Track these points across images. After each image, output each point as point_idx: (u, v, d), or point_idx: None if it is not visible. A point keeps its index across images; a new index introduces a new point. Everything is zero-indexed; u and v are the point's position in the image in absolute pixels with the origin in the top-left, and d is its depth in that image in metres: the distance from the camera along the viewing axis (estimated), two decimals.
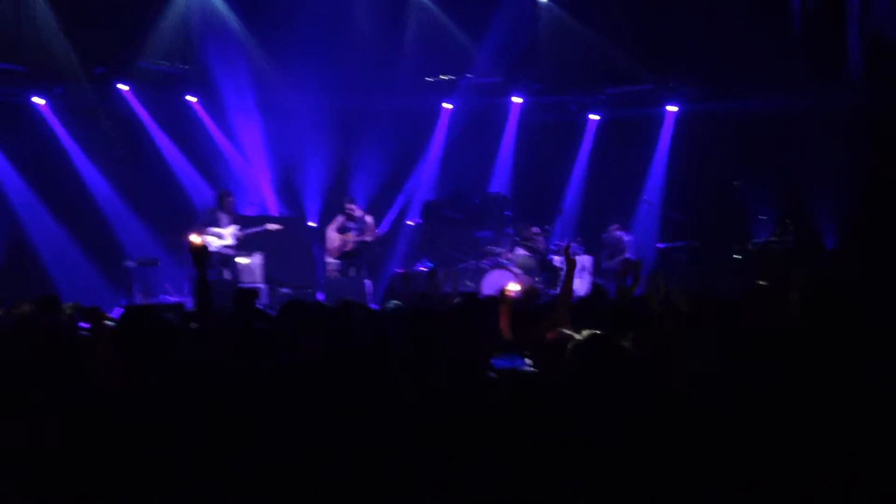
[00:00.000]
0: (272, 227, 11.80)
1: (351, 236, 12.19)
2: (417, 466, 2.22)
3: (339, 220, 12.27)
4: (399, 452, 2.26)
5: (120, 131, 12.92)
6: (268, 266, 11.98)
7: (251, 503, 2.10)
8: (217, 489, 2.12)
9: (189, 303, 10.20)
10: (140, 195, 13.02)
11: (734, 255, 11.71)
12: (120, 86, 12.76)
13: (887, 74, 10.40)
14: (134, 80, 12.79)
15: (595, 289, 7.04)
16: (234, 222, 11.65)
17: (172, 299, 11.71)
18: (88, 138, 12.77)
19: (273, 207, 13.89)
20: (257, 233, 11.70)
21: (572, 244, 12.23)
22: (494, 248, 12.65)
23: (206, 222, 11.58)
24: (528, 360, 4.04)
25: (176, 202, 13.19)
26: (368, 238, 12.28)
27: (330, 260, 12.26)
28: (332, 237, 12.23)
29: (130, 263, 11.80)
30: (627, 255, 12.35)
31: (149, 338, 3.30)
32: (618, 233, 12.79)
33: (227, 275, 11.44)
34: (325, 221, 13.91)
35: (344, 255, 12.15)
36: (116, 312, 5.88)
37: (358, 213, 12.38)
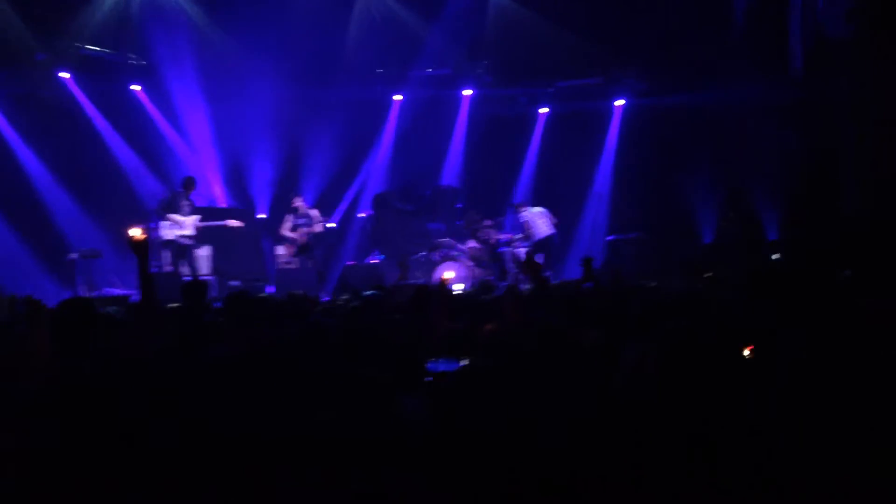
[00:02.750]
0: (233, 223, 11.61)
1: (302, 230, 12.09)
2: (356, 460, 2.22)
3: (290, 219, 12.15)
4: (340, 447, 2.25)
5: (62, 120, 12.59)
6: (216, 258, 11.81)
7: (188, 495, 2.07)
8: (154, 481, 2.10)
9: (135, 295, 10.03)
10: (84, 185, 12.71)
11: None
12: (62, 74, 12.42)
13: (828, 69, 10.66)
14: (76, 67, 12.46)
15: (542, 281, 7.08)
16: (194, 212, 11.46)
17: (117, 292, 11.49)
18: (29, 127, 12.42)
19: (221, 199, 13.69)
20: (217, 227, 11.52)
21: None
22: (446, 239, 12.69)
23: (167, 207, 11.37)
24: (464, 363, 4.07)
25: (121, 193, 12.91)
26: (318, 229, 12.19)
27: (281, 252, 12.13)
28: (289, 237, 12.10)
29: (74, 255, 11.52)
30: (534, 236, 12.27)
31: (85, 329, 3.23)
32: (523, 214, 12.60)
33: (182, 266, 11.25)
34: (274, 213, 13.77)
35: (299, 251, 12.05)
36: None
37: (303, 207, 12.28)
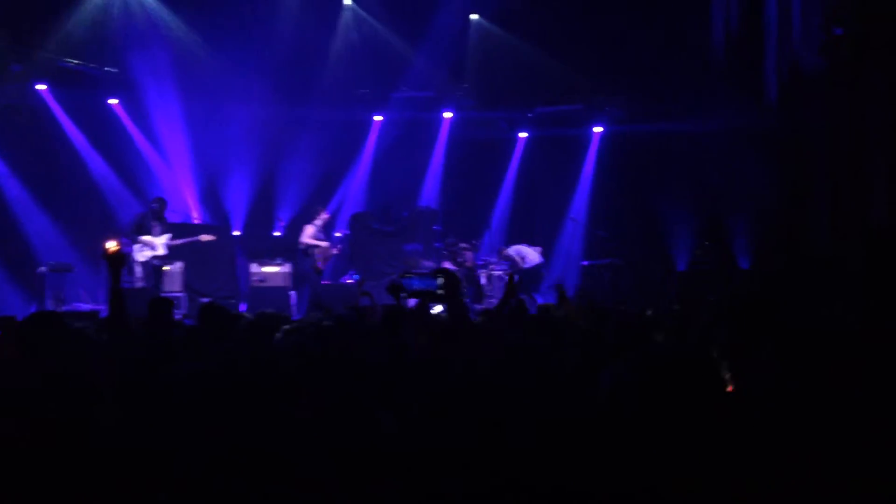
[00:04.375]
0: (206, 237, 11.47)
1: (326, 244, 12.03)
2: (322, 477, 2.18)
3: (312, 230, 12.04)
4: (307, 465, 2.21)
5: (37, 132, 12.43)
6: (188, 275, 11.67)
7: None
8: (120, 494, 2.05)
9: (104, 311, 9.88)
10: (56, 198, 12.54)
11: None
12: (38, 86, 12.30)
13: (802, 101, 10.84)
14: (53, 79, 12.35)
15: (518, 303, 7.08)
16: (166, 231, 11.32)
17: (86, 307, 11.32)
18: (3, 138, 12.26)
19: (196, 215, 13.56)
20: (190, 243, 11.38)
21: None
22: (422, 261, 12.66)
23: (138, 229, 11.23)
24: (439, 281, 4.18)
25: (93, 207, 12.76)
26: (334, 251, 12.24)
27: (317, 259, 11.97)
28: (312, 244, 11.99)
29: (43, 269, 11.34)
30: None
31: (53, 344, 3.16)
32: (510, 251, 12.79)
33: (154, 283, 11.12)
34: (249, 230, 13.67)
35: (317, 271, 11.97)
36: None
37: (325, 221, 12.25)
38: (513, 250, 12.56)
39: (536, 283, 12.28)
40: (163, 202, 11.55)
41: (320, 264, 11.89)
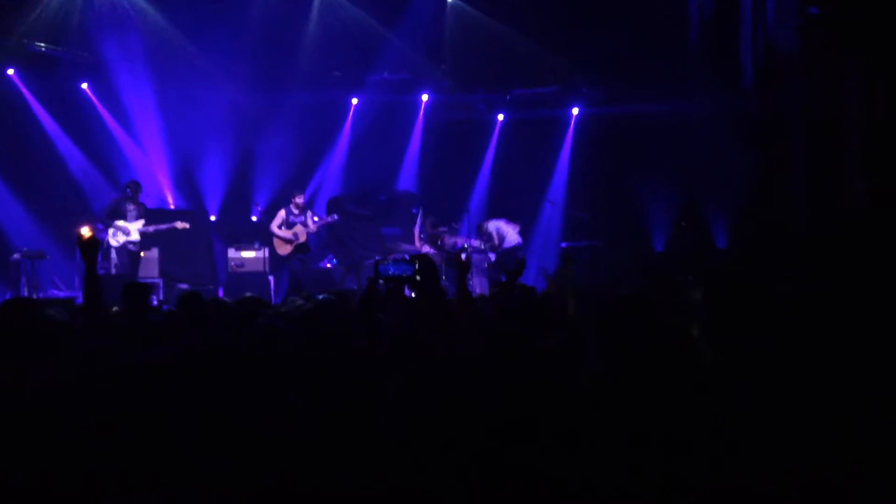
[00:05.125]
0: (181, 225, 11.31)
1: (301, 228, 11.87)
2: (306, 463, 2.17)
3: (282, 215, 11.90)
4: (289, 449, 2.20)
5: (7, 117, 12.22)
6: (164, 261, 11.55)
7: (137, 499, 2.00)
8: (102, 485, 2.02)
9: (80, 297, 9.76)
10: (29, 184, 12.34)
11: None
12: (7, 70, 12.08)
13: (778, 82, 10.90)
14: (22, 64, 12.12)
15: (505, 286, 7.07)
16: (141, 216, 11.18)
17: (62, 294, 11.19)
18: None
19: (171, 200, 13.42)
20: (164, 230, 11.25)
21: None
22: (401, 244, 12.64)
23: (112, 214, 11.07)
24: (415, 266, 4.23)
25: (67, 192, 12.58)
26: (313, 229, 12.05)
27: (282, 250, 11.84)
28: (281, 234, 11.85)
29: (17, 256, 11.18)
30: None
31: (28, 331, 3.11)
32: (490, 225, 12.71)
33: (129, 269, 10.99)
34: (225, 215, 13.56)
35: (297, 249, 11.84)
36: None
37: (301, 204, 12.08)
38: (492, 227, 12.49)
39: (511, 264, 12.23)
40: (137, 186, 11.38)
41: (282, 251, 11.81)
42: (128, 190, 11.29)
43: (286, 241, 11.78)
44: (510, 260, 12.09)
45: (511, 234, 12.47)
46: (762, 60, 11.13)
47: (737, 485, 1.79)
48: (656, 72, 12.28)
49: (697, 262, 10.95)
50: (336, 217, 12.28)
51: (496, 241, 12.34)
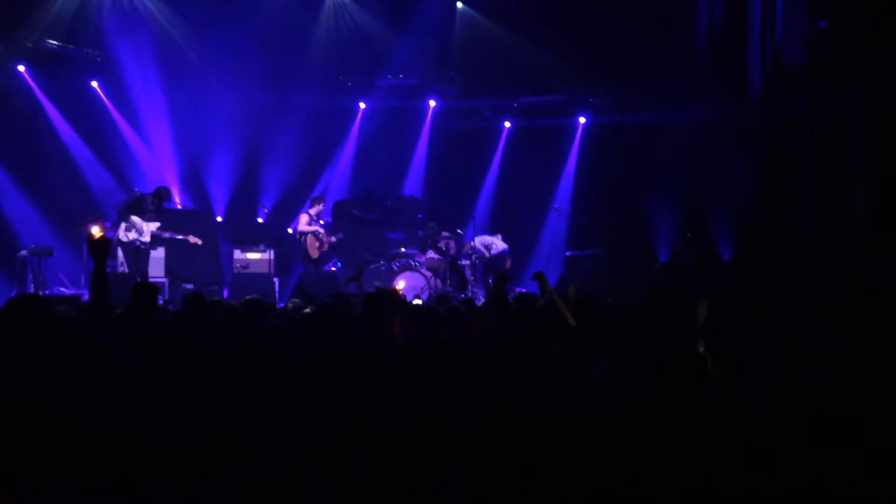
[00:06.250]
0: (193, 240, 11.35)
1: (325, 236, 11.92)
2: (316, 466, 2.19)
3: (306, 218, 11.94)
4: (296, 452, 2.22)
5: (17, 114, 12.28)
6: (170, 260, 11.58)
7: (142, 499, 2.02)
8: (109, 485, 2.04)
9: (86, 295, 9.80)
10: (37, 181, 12.39)
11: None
12: (18, 67, 12.15)
13: (785, 94, 10.90)
14: (33, 61, 12.19)
15: (518, 295, 7.11)
16: (158, 219, 11.23)
17: (68, 292, 11.23)
18: None
19: (179, 199, 13.46)
20: (175, 239, 11.28)
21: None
22: (405, 249, 12.67)
23: (131, 208, 11.11)
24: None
25: (75, 190, 12.62)
26: (334, 241, 12.14)
27: (312, 249, 11.89)
28: (313, 229, 11.88)
29: (24, 253, 11.22)
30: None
31: (34, 327, 3.14)
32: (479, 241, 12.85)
33: (136, 267, 11.02)
34: (231, 216, 13.58)
35: (322, 255, 11.91)
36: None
37: (320, 211, 12.14)
38: (478, 242, 12.62)
39: (502, 268, 12.34)
40: (167, 194, 11.47)
41: (313, 252, 11.84)
42: (161, 192, 11.33)
43: (320, 242, 11.84)
44: (498, 265, 12.24)
45: (497, 242, 12.63)
46: (770, 72, 11.14)
47: (740, 498, 1.81)
48: (664, 82, 12.30)
49: (702, 275, 10.95)
50: (341, 235, 12.37)
51: (486, 253, 12.46)
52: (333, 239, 12.15)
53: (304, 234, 11.82)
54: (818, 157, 10.25)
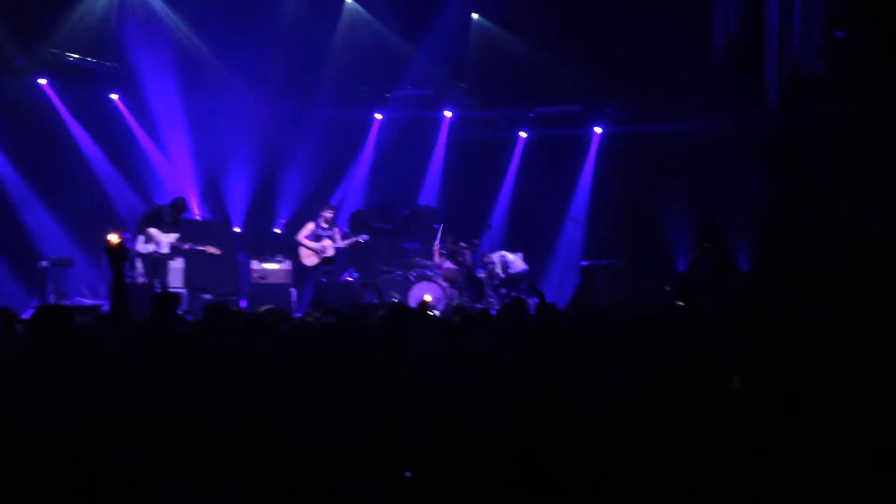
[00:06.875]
0: (212, 250, 11.45)
1: (329, 242, 11.95)
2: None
3: (311, 227, 11.98)
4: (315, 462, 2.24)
5: (38, 126, 12.45)
6: (189, 270, 11.68)
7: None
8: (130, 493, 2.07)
9: (106, 305, 9.89)
10: (57, 192, 12.54)
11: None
12: (39, 80, 12.32)
13: (802, 104, 10.87)
14: (54, 74, 12.36)
15: (516, 302, 7.10)
16: (177, 230, 11.33)
17: (88, 302, 11.33)
18: (5, 132, 12.27)
19: (198, 211, 13.58)
20: (194, 249, 11.37)
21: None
22: (422, 260, 12.69)
23: (149, 221, 11.23)
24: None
25: (95, 201, 12.76)
26: (341, 244, 12.12)
27: (308, 261, 11.92)
28: (308, 244, 11.92)
29: (44, 264, 11.34)
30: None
31: (60, 337, 3.18)
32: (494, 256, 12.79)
33: (155, 277, 11.12)
34: (249, 227, 13.69)
35: (326, 262, 11.94)
36: (28, 315, 5.65)
37: (330, 218, 12.16)
38: (496, 257, 12.59)
39: (520, 288, 12.34)
40: (184, 205, 11.60)
41: (308, 262, 11.88)
42: (178, 203, 11.45)
43: (313, 251, 11.86)
44: (517, 284, 12.23)
45: (517, 261, 12.56)
46: (786, 82, 11.10)
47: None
48: (680, 92, 12.29)
49: (721, 285, 10.90)
50: (367, 237, 12.35)
51: (499, 271, 12.40)
52: (360, 240, 12.16)
53: (299, 243, 11.91)
54: (835, 167, 10.20)
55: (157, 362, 3.36)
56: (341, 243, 12.06)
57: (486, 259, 12.66)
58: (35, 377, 2.59)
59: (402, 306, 5.52)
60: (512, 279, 12.36)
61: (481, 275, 12.55)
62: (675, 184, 12.92)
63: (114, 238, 4.06)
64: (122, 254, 4.03)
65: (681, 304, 12.21)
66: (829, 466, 1.85)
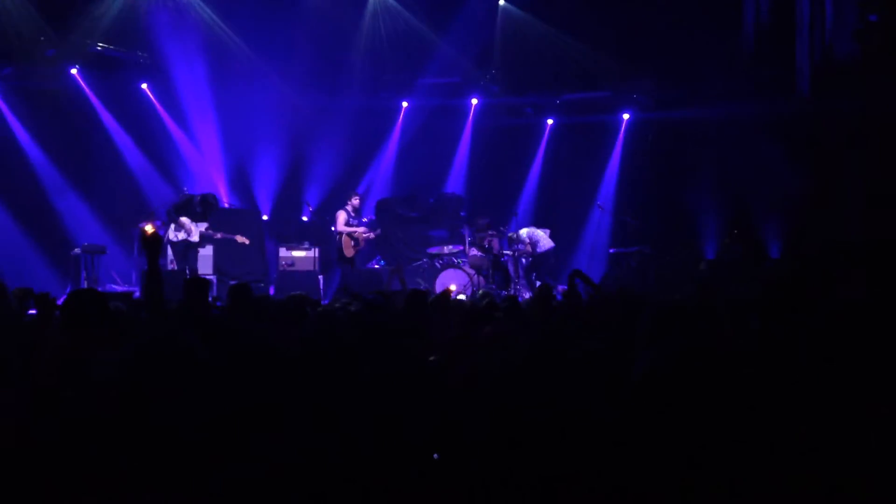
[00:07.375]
0: (241, 239, 11.55)
1: (361, 230, 11.98)
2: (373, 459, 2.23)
3: (344, 216, 11.97)
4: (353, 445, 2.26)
5: (70, 115, 12.63)
6: (218, 257, 11.80)
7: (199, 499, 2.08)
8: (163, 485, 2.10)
9: (137, 292, 10.04)
10: (89, 181, 12.73)
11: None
12: (71, 70, 12.47)
13: (835, 88, 10.70)
14: (86, 63, 12.50)
15: (544, 288, 7.09)
16: (206, 219, 11.46)
17: (120, 288, 11.50)
18: (37, 121, 12.46)
19: (226, 198, 13.69)
20: (223, 238, 11.49)
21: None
22: (450, 247, 12.70)
23: (180, 209, 11.39)
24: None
25: (126, 189, 12.94)
26: (372, 236, 12.17)
27: (348, 250, 11.92)
28: (350, 230, 11.93)
29: (77, 251, 11.53)
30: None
31: (95, 320, 3.24)
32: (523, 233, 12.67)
33: (185, 264, 11.27)
34: (277, 214, 13.77)
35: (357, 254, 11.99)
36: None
37: (357, 206, 12.18)
38: (524, 233, 12.51)
39: (547, 268, 12.29)
40: (215, 201, 11.73)
41: (348, 252, 11.87)
42: (208, 198, 11.61)
43: (353, 240, 11.86)
44: (544, 263, 12.15)
45: (544, 238, 12.43)
46: (819, 67, 10.94)
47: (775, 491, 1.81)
48: (709, 77, 12.15)
49: (750, 272, 10.80)
50: (379, 231, 12.36)
51: (529, 248, 12.35)
52: (372, 235, 12.18)
53: (341, 233, 11.88)
54: (869, 153, 10.05)
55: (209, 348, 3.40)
56: (370, 233, 12.11)
57: (514, 237, 12.59)
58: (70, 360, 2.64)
59: (423, 293, 5.53)
60: (539, 260, 12.29)
61: (511, 255, 12.49)
62: (704, 170, 12.80)
63: (149, 228, 4.13)
64: (158, 243, 4.09)
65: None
66: (858, 449, 1.84)
